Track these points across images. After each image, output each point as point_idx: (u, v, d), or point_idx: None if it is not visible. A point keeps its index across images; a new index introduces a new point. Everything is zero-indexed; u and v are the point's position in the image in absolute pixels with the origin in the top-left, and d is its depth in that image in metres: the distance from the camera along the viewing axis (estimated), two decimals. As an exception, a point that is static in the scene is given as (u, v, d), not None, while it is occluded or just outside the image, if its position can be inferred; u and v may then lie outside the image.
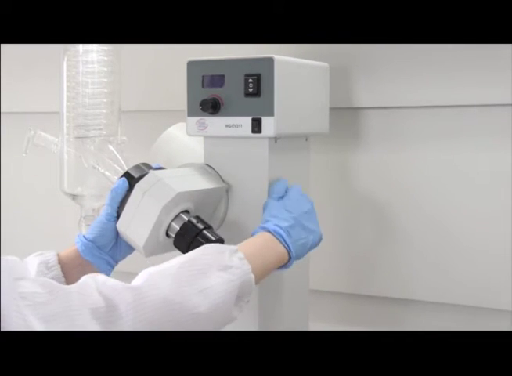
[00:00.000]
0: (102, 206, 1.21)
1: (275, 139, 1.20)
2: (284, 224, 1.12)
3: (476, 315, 1.33)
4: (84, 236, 1.18)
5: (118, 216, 1.16)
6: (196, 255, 1.01)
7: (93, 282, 0.92)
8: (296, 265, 1.25)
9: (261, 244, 1.10)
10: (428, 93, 1.33)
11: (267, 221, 1.14)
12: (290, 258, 1.12)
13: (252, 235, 1.13)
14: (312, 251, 1.24)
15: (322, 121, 1.32)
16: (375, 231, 1.41)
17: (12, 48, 1.65)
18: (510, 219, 1.28)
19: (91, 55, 1.39)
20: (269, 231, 1.11)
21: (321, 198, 1.31)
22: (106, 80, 1.41)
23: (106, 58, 1.40)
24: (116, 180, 1.19)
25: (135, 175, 1.17)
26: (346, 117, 1.41)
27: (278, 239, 1.11)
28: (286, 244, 1.11)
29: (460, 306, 1.34)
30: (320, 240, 1.19)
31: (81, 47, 1.39)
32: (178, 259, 1.00)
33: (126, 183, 1.17)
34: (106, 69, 1.41)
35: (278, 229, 1.11)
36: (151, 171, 1.16)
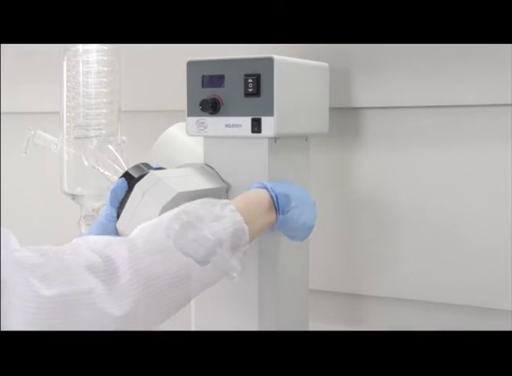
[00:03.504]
0: (102, 206, 1.21)
1: (275, 139, 1.20)
2: (281, 190, 1.13)
3: (476, 315, 1.33)
4: (84, 237, 1.18)
5: (118, 216, 1.16)
6: (188, 208, 1.02)
7: (84, 243, 0.94)
8: (295, 264, 1.25)
9: (253, 199, 1.11)
10: (428, 93, 1.33)
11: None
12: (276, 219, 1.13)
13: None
14: (312, 251, 1.25)
15: (322, 121, 1.32)
16: (375, 231, 1.41)
17: (12, 48, 1.65)
18: (509, 219, 1.28)
19: (91, 55, 1.39)
20: (266, 188, 1.13)
21: (321, 198, 1.31)
22: (105, 80, 1.41)
23: (105, 58, 1.40)
24: (116, 180, 1.19)
25: (135, 175, 1.17)
26: (346, 117, 1.41)
27: (271, 196, 1.12)
28: (277, 202, 1.12)
29: (460, 306, 1.34)
30: (311, 228, 1.18)
31: (81, 47, 1.39)
32: (170, 212, 1.01)
33: (125, 183, 1.17)
34: (105, 69, 1.40)
35: (275, 188, 1.13)
36: (151, 171, 1.16)
